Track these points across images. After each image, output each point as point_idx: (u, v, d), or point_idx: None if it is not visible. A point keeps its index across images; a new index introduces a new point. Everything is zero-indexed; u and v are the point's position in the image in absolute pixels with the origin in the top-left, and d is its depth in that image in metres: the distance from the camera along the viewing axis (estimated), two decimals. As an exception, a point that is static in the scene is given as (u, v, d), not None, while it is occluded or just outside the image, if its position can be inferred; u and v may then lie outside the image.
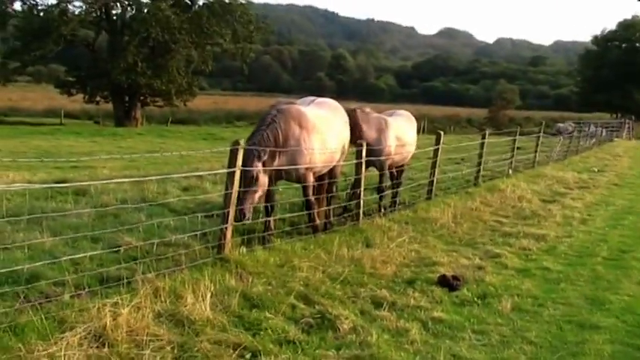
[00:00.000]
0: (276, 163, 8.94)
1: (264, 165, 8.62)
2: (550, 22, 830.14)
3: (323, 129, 9.71)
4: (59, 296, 6.22)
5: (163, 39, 53.36)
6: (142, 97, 59.14)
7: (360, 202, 10.80)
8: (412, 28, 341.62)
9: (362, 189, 10.87)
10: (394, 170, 13.29)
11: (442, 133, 14.53)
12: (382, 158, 12.02)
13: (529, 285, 8.60)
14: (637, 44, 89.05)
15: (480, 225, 12.41)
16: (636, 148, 40.36)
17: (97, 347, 5.39)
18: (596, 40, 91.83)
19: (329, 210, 10.67)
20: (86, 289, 6.40)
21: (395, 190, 13.30)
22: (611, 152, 33.51)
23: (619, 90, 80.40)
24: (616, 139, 46.30)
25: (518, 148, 20.56)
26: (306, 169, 9.46)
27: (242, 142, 8.03)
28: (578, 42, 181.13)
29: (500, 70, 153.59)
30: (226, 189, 7.98)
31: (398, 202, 13.18)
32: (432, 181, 13.87)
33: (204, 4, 58.05)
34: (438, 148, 13.99)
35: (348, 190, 12.36)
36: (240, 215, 8.16)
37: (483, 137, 17.06)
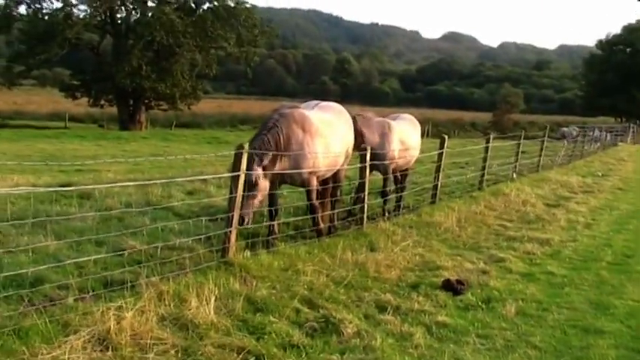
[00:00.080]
0: (277, 167, 8.93)
1: (264, 169, 8.61)
2: (555, 26, 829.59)
3: (326, 133, 9.70)
4: (63, 300, 6.23)
5: (168, 43, 53.41)
6: (146, 101, 59.18)
7: (364, 206, 10.81)
8: (416, 32, 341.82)
9: (366, 193, 10.88)
10: (398, 174, 13.27)
11: (446, 137, 14.54)
12: (386, 162, 12.00)
13: (533, 289, 8.59)
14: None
15: (484, 229, 12.40)
16: (641, 152, 40.30)
17: (101, 351, 5.40)
18: (600, 44, 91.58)
19: (333, 214, 10.65)
20: (90, 293, 6.41)
21: (399, 194, 13.29)
22: (616, 156, 33.48)
23: (624, 94, 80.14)
24: (620, 143, 46.23)
25: (522, 152, 20.54)
26: (310, 173, 9.44)
27: (246, 145, 8.04)
28: (582, 46, 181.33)
29: (504, 74, 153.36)
30: (230, 193, 7.99)
31: (402, 206, 13.18)
32: (436, 185, 13.86)
33: (208, 7, 58.14)
34: (442, 152, 14.00)
35: (352, 194, 12.37)
36: (239, 220, 8.16)
37: (487, 141, 17.05)
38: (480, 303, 7.88)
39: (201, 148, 38.26)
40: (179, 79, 57.14)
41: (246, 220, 8.32)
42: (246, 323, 6.38)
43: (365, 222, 10.78)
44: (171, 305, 6.33)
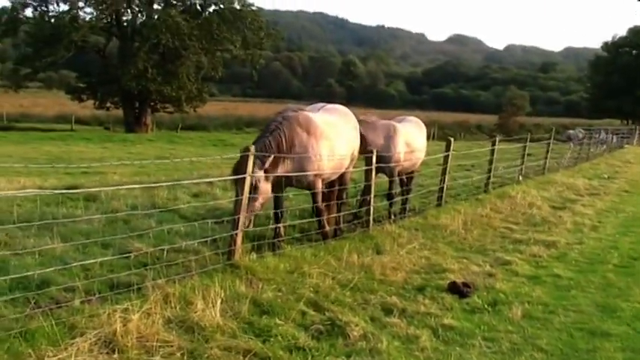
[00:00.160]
0: (280, 170, 8.89)
1: (266, 172, 8.58)
2: (560, 29, 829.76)
3: (332, 135, 9.67)
4: (69, 302, 6.24)
5: (174, 45, 53.58)
6: (152, 103, 59.41)
7: (369, 209, 10.79)
8: (422, 35, 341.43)
9: (372, 195, 10.87)
10: (404, 177, 13.26)
11: (452, 139, 14.50)
12: (392, 165, 11.99)
13: (540, 292, 8.57)
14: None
15: (490, 232, 12.38)
16: (647, 154, 40.16)
17: (107, 353, 5.40)
18: (606, 46, 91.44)
19: (339, 216, 10.64)
20: (96, 295, 6.41)
21: (405, 197, 13.28)
22: (622, 159, 33.37)
23: (629, 96, 79.97)
24: (626, 145, 46.08)
25: (528, 154, 20.48)
26: (315, 175, 9.41)
27: (252, 148, 8.04)
28: (588, 48, 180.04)
29: (510, 76, 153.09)
30: (236, 195, 7.99)
31: (408, 208, 13.16)
32: (442, 187, 13.84)
33: (214, 10, 58.31)
34: (448, 155, 13.97)
35: (358, 197, 12.35)
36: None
37: (493, 144, 17.00)
38: (486, 306, 7.86)
39: (207, 151, 38.41)
40: (185, 82, 57.32)
41: (246, 223, 8.30)
42: (252, 326, 6.38)
43: (371, 224, 10.76)
44: (177, 308, 6.34)
